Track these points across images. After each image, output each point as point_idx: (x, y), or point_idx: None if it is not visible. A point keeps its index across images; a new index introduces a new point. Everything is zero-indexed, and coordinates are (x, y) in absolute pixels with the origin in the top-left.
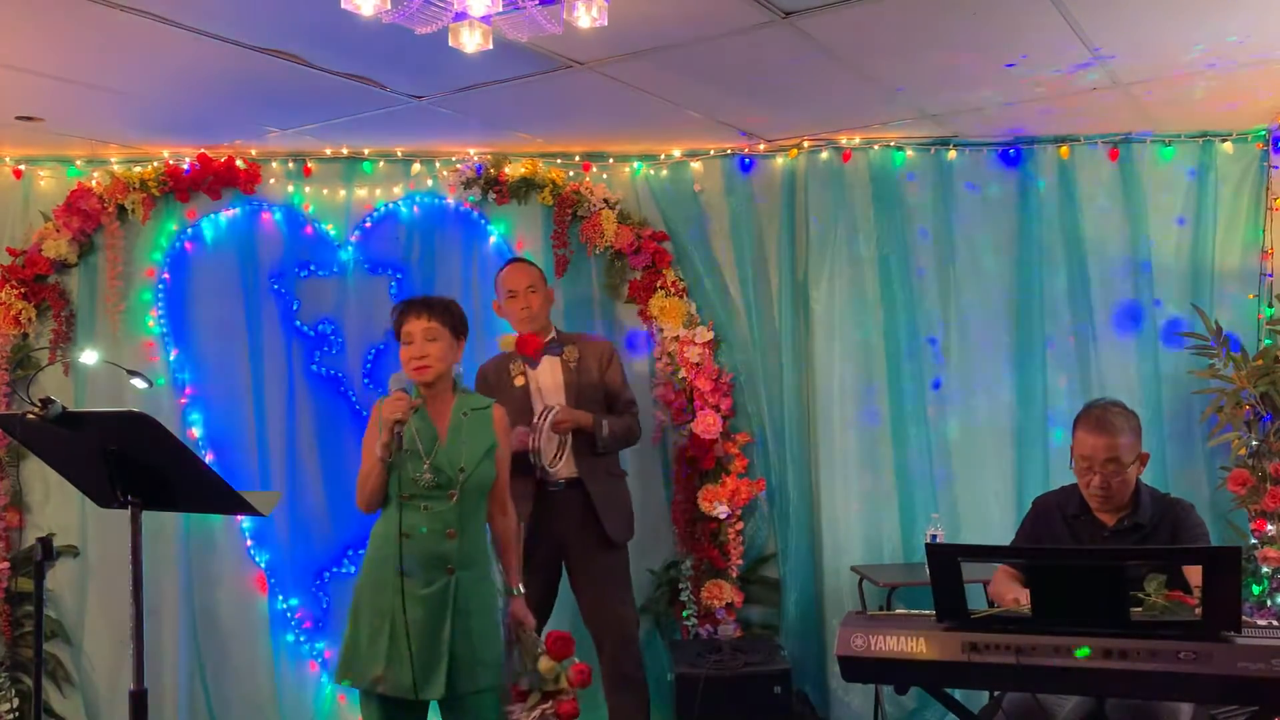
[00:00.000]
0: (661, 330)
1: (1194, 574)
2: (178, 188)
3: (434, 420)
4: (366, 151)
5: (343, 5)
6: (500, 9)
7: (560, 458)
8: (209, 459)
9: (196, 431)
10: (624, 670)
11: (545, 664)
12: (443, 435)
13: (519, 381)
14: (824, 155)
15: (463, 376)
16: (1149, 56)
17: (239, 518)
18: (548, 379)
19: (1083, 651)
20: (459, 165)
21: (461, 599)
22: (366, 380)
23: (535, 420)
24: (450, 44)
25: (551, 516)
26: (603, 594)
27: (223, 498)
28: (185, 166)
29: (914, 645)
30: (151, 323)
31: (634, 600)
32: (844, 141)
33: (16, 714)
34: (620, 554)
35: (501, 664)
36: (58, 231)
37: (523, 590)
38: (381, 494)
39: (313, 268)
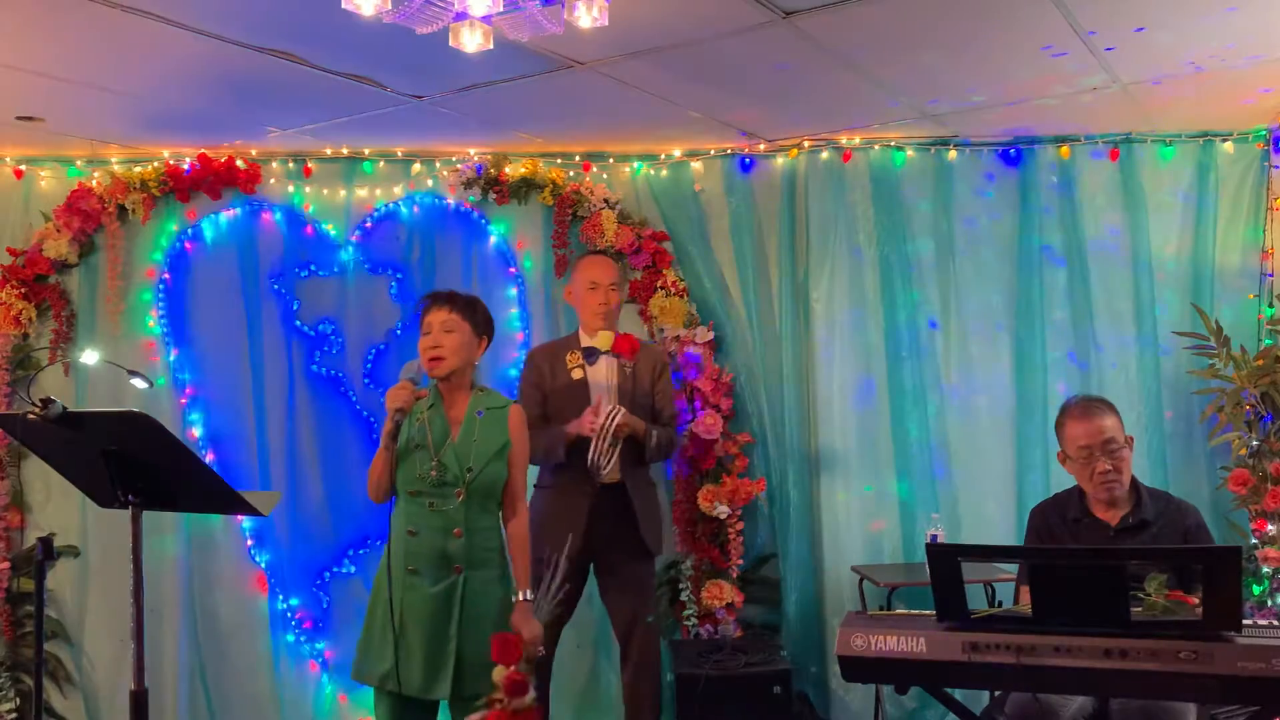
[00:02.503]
0: (662, 330)
1: None
2: (178, 188)
3: (448, 416)
4: (366, 151)
5: (343, 5)
6: (500, 9)
7: (610, 460)
8: (209, 459)
9: (196, 431)
10: (647, 678)
11: (497, 673)
12: (454, 432)
13: (577, 375)
14: (824, 155)
15: (479, 377)
16: (1149, 56)
17: (239, 518)
18: (602, 379)
19: None
20: (459, 165)
21: (469, 600)
22: (367, 380)
23: (603, 419)
24: (450, 44)
25: (594, 518)
26: (634, 602)
27: (223, 498)
28: (185, 166)
29: (914, 645)
30: (151, 323)
31: (659, 605)
32: (844, 141)
33: (17, 714)
34: (652, 562)
35: None
36: (58, 231)
37: (528, 597)
38: (386, 485)
39: (313, 268)
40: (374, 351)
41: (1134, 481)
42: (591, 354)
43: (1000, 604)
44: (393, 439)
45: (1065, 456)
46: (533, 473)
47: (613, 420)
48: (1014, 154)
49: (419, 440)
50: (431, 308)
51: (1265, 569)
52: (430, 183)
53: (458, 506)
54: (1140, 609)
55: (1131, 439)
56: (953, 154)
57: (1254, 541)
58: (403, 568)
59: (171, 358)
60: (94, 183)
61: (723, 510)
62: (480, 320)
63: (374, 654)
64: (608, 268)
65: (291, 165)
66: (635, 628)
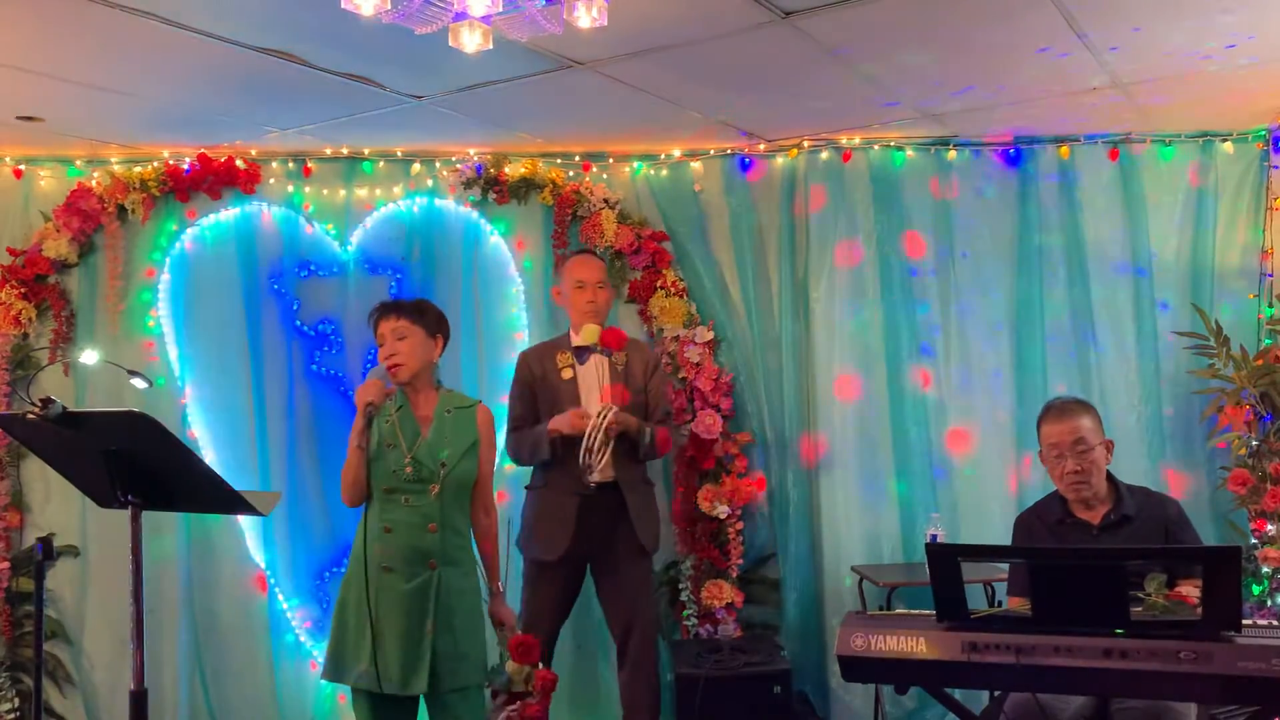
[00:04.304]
0: (661, 330)
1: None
2: (178, 188)
3: (416, 415)
4: (366, 151)
5: (343, 5)
6: (500, 9)
7: (602, 458)
8: (209, 459)
9: (196, 431)
10: (645, 677)
11: (513, 666)
12: (424, 430)
13: (567, 374)
14: (824, 155)
15: (440, 373)
16: (1149, 56)
17: (239, 518)
18: (593, 378)
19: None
20: (459, 165)
21: (444, 595)
22: None
23: (595, 419)
24: (450, 44)
25: (584, 519)
26: (632, 601)
27: (223, 498)
28: (185, 166)
29: (914, 645)
30: (151, 323)
31: (657, 605)
32: (844, 141)
33: (17, 714)
34: (648, 561)
35: (486, 661)
36: (58, 231)
37: (503, 589)
38: (362, 485)
39: (313, 268)
40: (374, 351)
41: (1113, 480)
42: (581, 353)
43: (1000, 604)
44: (364, 435)
45: (1043, 456)
46: (524, 474)
47: (604, 419)
48: (1014, 154)
49: (390, 439)
50: (381, 319)
51: (1265, 569)
52: (430, 183)
53: (432, 502)
54: (1140, 609)
55: (1111, 443)
56: (953, 154)
57: (1254, 541)
58: (378, 566)
59: (171, 358)
60: (94, 183)
61: (723, 510)
62: (431, 321)
63: (349, 653)
64: (594, 267)
65: (291, 165)
66: (633, 628)
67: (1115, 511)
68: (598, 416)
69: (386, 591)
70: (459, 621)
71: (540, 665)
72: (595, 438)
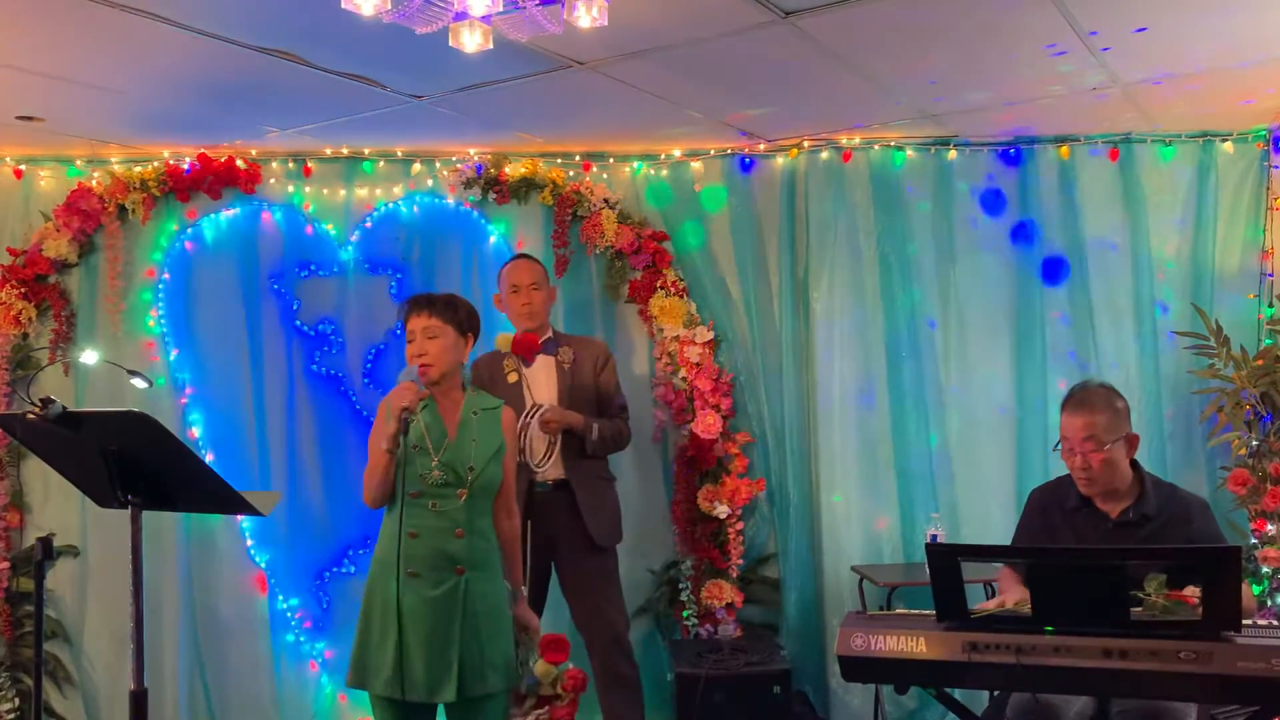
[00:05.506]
0: (661, 330)
1: None
2: (178, 188)
3: (443, 418)
4: (366, 151)
5: (343, 5)
6: (500, 9)
7: (549, 458)
8: (209, 459)
9: (196, 431)
10: (615, 670)
11: (542, 668)
12: (452, 433)
13: (512, 378)
14: (824, 155)
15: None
16: (1149, 56)
17: (239, 518)
18: (541, 378)
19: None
20: (459, 165)
21: (470, 600)
22: (366, 380)
23: (522, 418)
24: (450, 44)
25: (539, 517)
26: (591, 596)
27: (223, 498)
28: (185, 166)
29: (914, 645)
30: (151, 323)
31: (623, 601)
32: (844, 141)
33: (17, 714)
34: (608, 556)
35: (510, 667)
36: (58, 231)
37: (525, 593)
38: (389, 489)
39: (313, 268)
40: (374, 351)
41: (1139, 474)
42: (529, 360)
43: (1000, 604)
44: (396, 440)
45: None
46: None
47: (530, 417)
48: (1014, 154)
49: (417, 442)
50: (412, 314)
51: (1265, 569)
52: (430, 183)
53: (459, 506)
54: (1140, 609)
55: (1135, 438)
56: (953, 154)
57: (1254, 541)
58: (401, 571)
59: (171, 358)
60: (94, 183)
61: (723, 510)
62: (463, 319)
63: (372, 659)
64: (526, 269)
65: (291, 165)
66: (594, 626)
67: (1135, 509)
68: (524, 416)
69: (412, 597)
70: (485, 627)
71: (570, 664)
72: (525, 439)
